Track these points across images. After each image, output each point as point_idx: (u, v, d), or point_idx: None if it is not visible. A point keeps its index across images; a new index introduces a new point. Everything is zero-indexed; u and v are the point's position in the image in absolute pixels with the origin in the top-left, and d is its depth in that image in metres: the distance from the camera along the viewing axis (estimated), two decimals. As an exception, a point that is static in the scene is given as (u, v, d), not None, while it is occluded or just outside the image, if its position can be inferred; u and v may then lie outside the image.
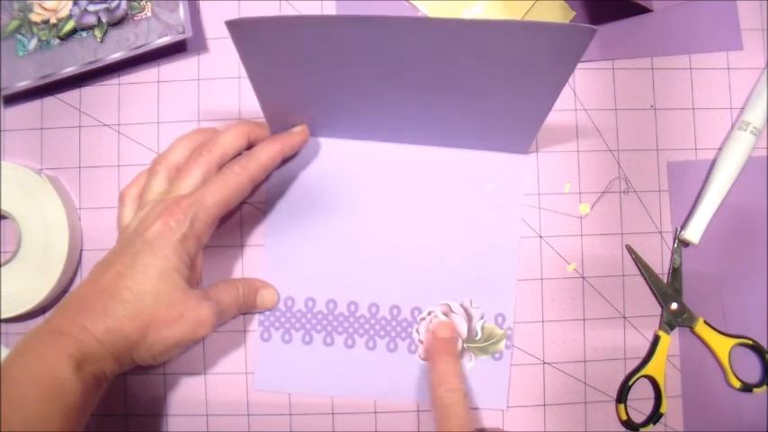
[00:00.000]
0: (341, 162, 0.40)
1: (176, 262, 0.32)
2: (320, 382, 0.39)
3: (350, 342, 0.40)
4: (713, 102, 0.42)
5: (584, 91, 0.42)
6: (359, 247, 0.40)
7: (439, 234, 0.40)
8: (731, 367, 0.40)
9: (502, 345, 0.40)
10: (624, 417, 0.40)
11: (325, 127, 0.39)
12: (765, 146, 0.42)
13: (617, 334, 0.41)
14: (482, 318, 0.40)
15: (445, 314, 0.39)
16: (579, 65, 0.42)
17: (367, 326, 0.40)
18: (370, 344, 0.40)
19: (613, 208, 0.42)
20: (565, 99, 0.42)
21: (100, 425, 0.39)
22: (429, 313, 0.40)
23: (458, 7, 0.41)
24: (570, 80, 0.42)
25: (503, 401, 0.40)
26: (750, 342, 0.41)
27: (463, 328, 0.40)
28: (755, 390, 0.40)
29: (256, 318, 0.40)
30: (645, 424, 0.40)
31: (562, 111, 0.42)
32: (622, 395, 0.40)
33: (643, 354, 0.41)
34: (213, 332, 0.34)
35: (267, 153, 0.36)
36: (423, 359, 0.40)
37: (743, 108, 0.42)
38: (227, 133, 0.36)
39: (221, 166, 0.35)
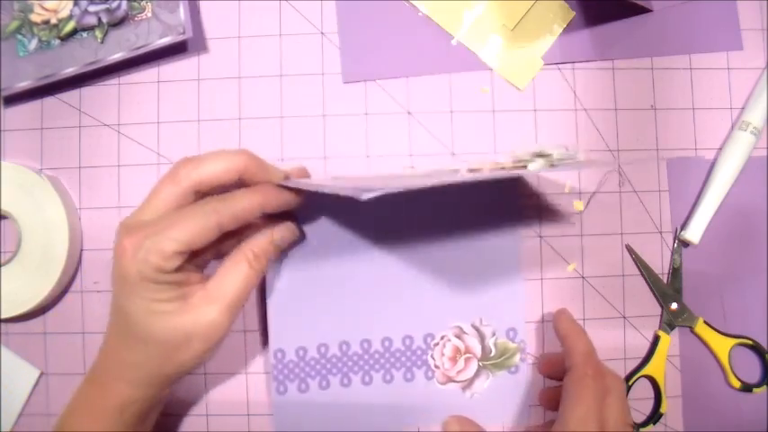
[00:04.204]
0: (336, 218, 0.39)
1: (151, 294, 0.30)
2: (340, 423, 0.39)
3: (367, 379, 0.39)
4: (713, 102, 0.42)
5: (584, 91, 0.42)
6: (366, 286, 0.39)
7: (443, 259, 0.40)
8: (731, 367, 0.40)
9: (517, 358, 0.40)
10: (624, 417, 0.40)
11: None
12: (765, 146, 0.42)
13: (617, 334, 0.41)
14: (494, 335, 0.40)
15: (458, 336, 0.40)
16: (579, 65, 0.42)
17: (382, 360, 0.39)
18: (387, 377, 0.39)
19: (613, 208, 0.42)
20: (565, 99, 0.42)
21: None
22: (442, 338, 0.40)
23: (458, 7, 0.41)
24: (570, 80, 0.42)
25: (523, 414, 0.40)
26: (750, 342, 0.41)
27: (477, 348, 0.40)
28: (755, 390, 0.40)
29: (269, 370, 0.39)
30: (645, 424, 0.40)
31: (562, 111, 0.42)
32: (622, 395, 0.40)
33: (643, 354, 0.41)
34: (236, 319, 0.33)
35: (244, 202, 0.31)
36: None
37: (743, 108, 0.42)
38: (215, 159, 0.31)
39: (199, 196, 0.32)
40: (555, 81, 0.42)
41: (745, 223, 0.42)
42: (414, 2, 0.42)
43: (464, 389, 0.40)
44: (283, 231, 0.35)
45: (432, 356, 0.40)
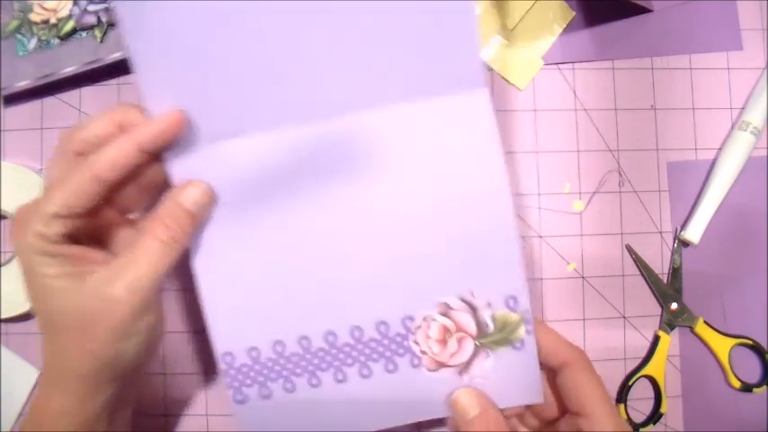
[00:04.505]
0: (263, 167, 0.32)
1: (43, 269, 0.28)
2: (316, 428, 0.33)
3: (340, 376, 0.33)
4: (713, 102, 0.42)
5: (584, 91, 0.42)
6: (319, 265, 0.32)
7: (411, 220, 0.32)
8: (731, 367, 0.40)
9: (521, 331, 0.33)
10: (624, 417, 0.40)
11: (229, 123, 0.31)
12: (765, 146, 0.42)
13: (617, 334, 0.41)
14: (489, 306, 0.33)
15: (444, 314, 0.33)
16: (579, 65, 0.42)
17: (354, 353, 0.33)
18: (364, 371, 0.33)
19: (613, 208, 0.42)
20: (565, 99, 0.42)
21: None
22: (424, 319, 0.33)
23: (458, 7, 0.41)
24: (570, 80, 0.42)
25: (537, 393, 0.33)
26: (750, 342, 0.41)
27: (470, 325, 0.33)
28: (755, 390, 0.40)
29: (221, 379, 0.33)
30: (645, 424, 0.40)
31: (562, 111, 0.42)
32: (622, 395, 0.40)
33: (643, 354, 0.41)
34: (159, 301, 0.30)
35: (117, 147, 0.28)
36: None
37: (743, 108, 0.42)
38: (92, 117, 0.30)
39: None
40: (555, 81, 0.42)
41: (745, 223, 0.42)
42: (414, 2, 0.42)
43: (461, 373, 0.33)
44: (193, 193, 0.30)
45: (415, 341, 0.33)
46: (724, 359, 0.41)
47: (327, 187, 0.32)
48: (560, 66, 0.42)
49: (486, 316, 0.33)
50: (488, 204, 0.32)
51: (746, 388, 0.40)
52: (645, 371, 0.40)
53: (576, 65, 0.42)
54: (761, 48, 0.43)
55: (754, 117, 0.41)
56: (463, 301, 0.33)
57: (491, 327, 0.33)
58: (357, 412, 0.33)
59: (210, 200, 0.31)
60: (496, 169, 0.32)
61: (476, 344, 0.33)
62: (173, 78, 0.30)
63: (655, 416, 0.40)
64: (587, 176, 0.42)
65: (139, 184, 0.31)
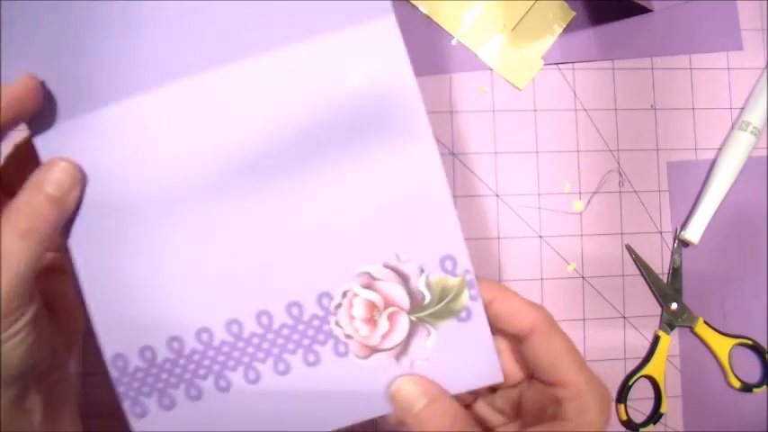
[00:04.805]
0: (144, 131, 0.27)
1: None
2: None
3: (252, 375, 0.27)
4: (713, 102, 0.42)
5: (584, 91, 0.42)
6: (214, 242, 0.27)
7: (317, 178, 0.27)
8: (731, 367, 0.40)
9: (464, 297, 0.27)
10: (624, 417, 0.40)
11: (102, 87, 0.26)
12: (765, 146, 0.42)
13: (617, 334, 0.41)
14: (422, 272, 0.27)
15: (368, 287, 0.27)
16: (579, 65, 0.42)
17: (265, 344, 0.27)
18: (280, 367, 0.27)
19: (613, 208, 0.42)
20: (565, 99, 0.42)
21: (101, 425, 0.39)
22: (344, 295, 0.27)
23: (458, 7, 0.41)
24: (570, 80, 0.42)
25: (494, 370, 0.27)
26: (750, 342, 0.41)
27: (401, 297, 0.27)
28: (755, 390, 0.40)
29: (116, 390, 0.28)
30: (645, 424, 0.40)
31: (562, 110, 0.42)
32: (622, 395, 0.40)
33: (643, 354, 0.41)
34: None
35: None
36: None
37: (743, 108, 0.42)
38: None
39: None
40: (555, 81, 0.42)
41: (745, 223, 0.42)
42: (414, 2, 0.42)
43: (398, 357, 0.27)
44: (55, 174, 0.25)
45: (337, 323, 0.27)
46: (724, 359, 0.41)
47: (215, 151, 0.27)
48: (560, 66, 0.42)
49: (419, 284, 0.27)
50: (408, 150, 0.27)
51: (746, 388, 0.40)
52: (645, 371, 0.40)
53: (576, 65, 0.42)
54: (761, 48, 0.43)
55: (754, 117, 0.41)
56: (388, 267, 0.27)
57: (427, 296, 0.27)
58: (276, 418, 0.27)
59: (76, 180, 0.26)
60: (414, 109, 0.27)
61: (411, 319, 0.27)
62: (30, 36, 0.25)
63: (655, 416, 0.40)
64: (587, 176, 0.42)
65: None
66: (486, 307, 0.27)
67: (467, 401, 0.29)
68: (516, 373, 0.28)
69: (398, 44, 0.27)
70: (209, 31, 0.26)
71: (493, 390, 0.29)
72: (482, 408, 0.30)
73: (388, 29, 0.27)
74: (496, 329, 0.27)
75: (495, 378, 0.27)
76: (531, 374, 0.28)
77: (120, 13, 0.26)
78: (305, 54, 0.27)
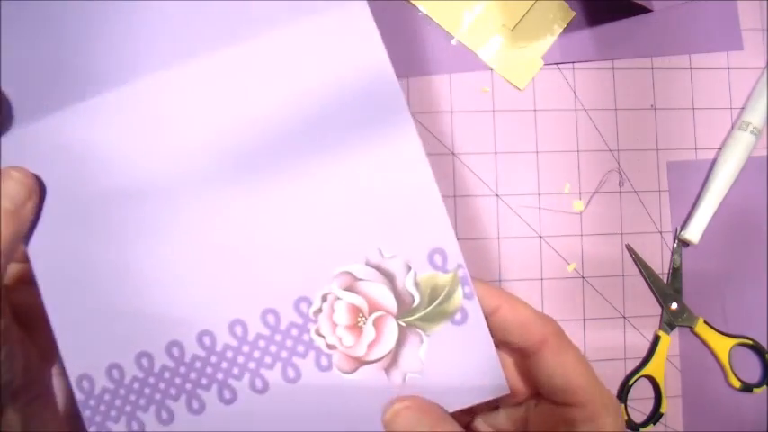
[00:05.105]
0: (105, 134, 0.25)
1: None
2: None
3: (227, 394, 0.24)
4: (713, 102, 0.42)
5: (584, 91, 0.42)
6: (181, 248, 0.25)
7: (290, 173, 0.25)
8: (731, 367, 0.40)
9: (458, 296, 0.24)
10: (624, 417, 0.40)
11: (64, 88, 0.25)
12: (765, 146, 0.42)
13: (617, 334, 0.41)
14: (409, 269, 0.24)
15: (350, 288, 0.24)
16: (579, 65, 0.42)
17: (241, 358, 0.24)
18: (258, 384, 0.24)
19: (613, 208, 0.42)
20: (565, 99, 0.42)
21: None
22: (324, 299, 0.24)
23: (458, 7, 0.41)
24: (570, 80, 0.42)
25: (498, 381, 0.24)
26: (750, 342, 0.41)
27: (388, 299, 0.24)
28: (755, 390, 0.40)
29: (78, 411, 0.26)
30: (645, 424, 0.40)
31: (562, 110, 0.42)
32: (622, 395, 0.40)
33: (643, 354, 0.41)
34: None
35: None
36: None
37: (743, 108, 0.42)
38: None
39: None
40: (555, 81, 0.42)
41: (745, 223, 0.42)
42: (414, 2, 0.42)
43: (388, 370, 0.24)
44: (9, 186, 0.24)
45: (318, 332, 0.24)
46: (724, 359, 0.41)
47: (185, 150, 0.25)
48: (560, 66, 0.42)
49: (407, 283, 0.24)
50: (388, 138, 0.25)
51: (746, 388, 0.40)
52: (645, 371, 0.40)
53: (576, 65, 0.42)
54: (761, 48, 0.43)
55: (754, 117, 0.41)
56: (371, 265, 0.24)
57: (416, 297, 0.24)
58: None
59: (31, 190, 0.24)
60: (392, 95, 0.25)
61: (400, 324, 0.24)
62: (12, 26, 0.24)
63: (655, 416, 0.40)
64: (587, 176, 0.42)
65: None
66: (491, 315, 0.24)
67: (463, 421, 0.26)
68: (522, 389, 0.26)
69: (373, 31, 0.25)
70: (184, 25, 0.25)
71: (495, 407, 0.27)
72: (483, 427, 0.27)
73: (359, 13, 0.25)
74: (501, 342, 0.25)
75: (500, 390, 0.24)
76: (537, 392, 0.25)
77: (96, 9, 0.24)
78: (277, 45, 0.25)
